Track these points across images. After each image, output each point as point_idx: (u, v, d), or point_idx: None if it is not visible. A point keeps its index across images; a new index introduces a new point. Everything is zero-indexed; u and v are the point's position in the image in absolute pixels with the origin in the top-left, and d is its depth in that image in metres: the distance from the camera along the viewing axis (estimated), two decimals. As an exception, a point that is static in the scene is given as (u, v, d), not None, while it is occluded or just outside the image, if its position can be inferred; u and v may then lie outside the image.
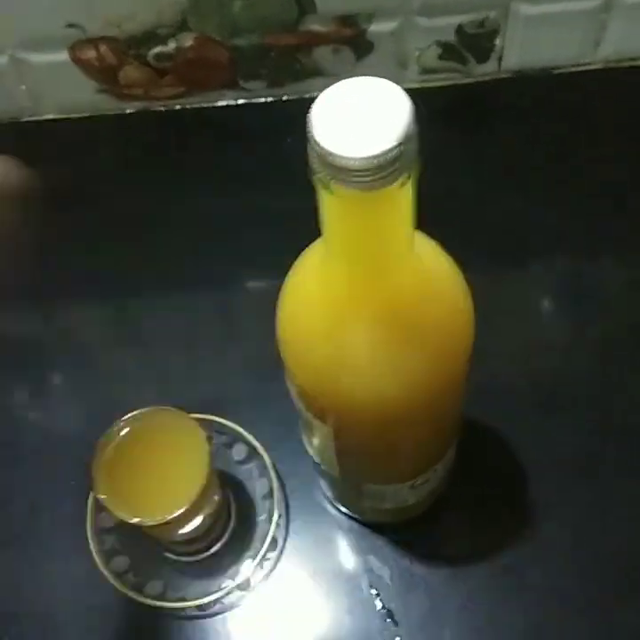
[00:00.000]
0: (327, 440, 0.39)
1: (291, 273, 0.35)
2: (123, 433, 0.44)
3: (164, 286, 0.62)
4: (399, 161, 0.24)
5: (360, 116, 0.24)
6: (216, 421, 0.52)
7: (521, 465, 0.51)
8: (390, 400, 0.33)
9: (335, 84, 0.24)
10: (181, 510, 0.42)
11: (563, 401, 0.54)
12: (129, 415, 0.45)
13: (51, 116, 0.68)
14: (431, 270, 0.32)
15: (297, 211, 0.64)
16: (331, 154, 0.23)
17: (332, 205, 0.26)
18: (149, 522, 0.42)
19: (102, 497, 0.42)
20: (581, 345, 0.57)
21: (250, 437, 0.52)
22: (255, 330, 0.59)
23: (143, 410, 0.45)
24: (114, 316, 0.62)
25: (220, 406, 0.54)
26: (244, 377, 0.57)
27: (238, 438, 0.53)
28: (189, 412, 0.52)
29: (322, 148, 0.23)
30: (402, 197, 0.26)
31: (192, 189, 0.66)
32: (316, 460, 0.44)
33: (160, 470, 0.44)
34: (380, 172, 0.24)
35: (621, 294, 0.59)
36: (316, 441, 0.41)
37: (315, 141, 0.24)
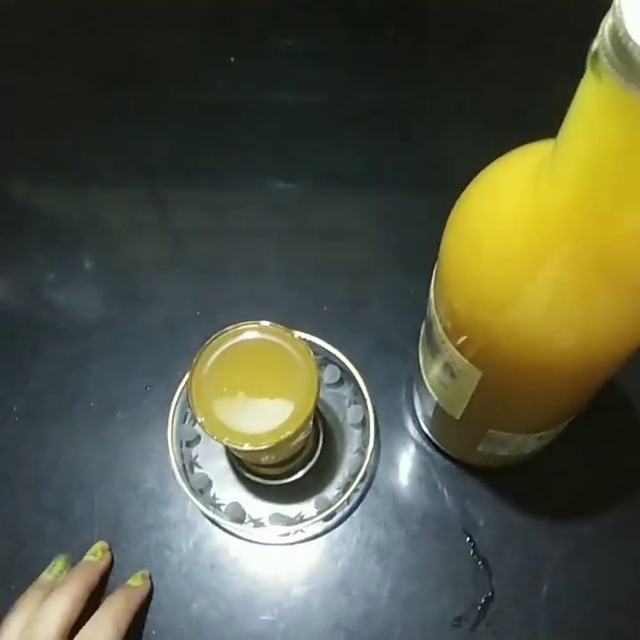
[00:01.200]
0: (467, 383, 0.34)
1: (477, 182, 0.30)
2: (221, 349, 0.40)
3: (239, 181, 0.57)
4: None
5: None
6: (306, 339, 0.48)
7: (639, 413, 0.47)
8: (569, 353, 0.29)
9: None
10: (285, 436, 0.38)
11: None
12: (226, 329, 0.40)
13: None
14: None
15: (385, 107, 0.61)
16: (649, 52, 0.18)
17: (599, 111, 0.21)
18: (253, 448, 0.38)
19: (201, 420, 0.37)
20: None
21: (344, 359, 0.47)
22: (348, 244, 0.56)
23: (243, 324, 0.40)
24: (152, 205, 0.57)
25: (306, 321, 0.49)
26: (335, 289, 0.53)
27: (330, 359, 0.48)
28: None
29: (637, 45, 0.18)
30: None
31: (275, 76, 0.60)
32: (436, 397, 0.40)
33: (262, 392, 0.39)
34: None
35: None
36: (448, 381, 0.36)
37: (627, 36, 0.18)
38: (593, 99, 0.21)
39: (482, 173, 0.30)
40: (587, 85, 0.21)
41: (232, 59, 0.63)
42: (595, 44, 0.20)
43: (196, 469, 0.46)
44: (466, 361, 0.33)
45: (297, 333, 0.47)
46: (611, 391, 0.48)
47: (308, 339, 0.48)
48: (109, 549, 0.45)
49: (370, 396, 0.47)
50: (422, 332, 0.39)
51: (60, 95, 0.60)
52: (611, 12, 0.19)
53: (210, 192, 0.58)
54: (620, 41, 0.18)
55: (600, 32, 0.19)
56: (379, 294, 0.52)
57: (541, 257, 0.27)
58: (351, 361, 0.48)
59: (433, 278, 0.34)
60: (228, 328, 0.40)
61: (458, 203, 0.31)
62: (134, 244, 0.56)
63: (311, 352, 0.40)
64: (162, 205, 0.58)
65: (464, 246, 0.30)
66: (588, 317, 0.27)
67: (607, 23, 0.19)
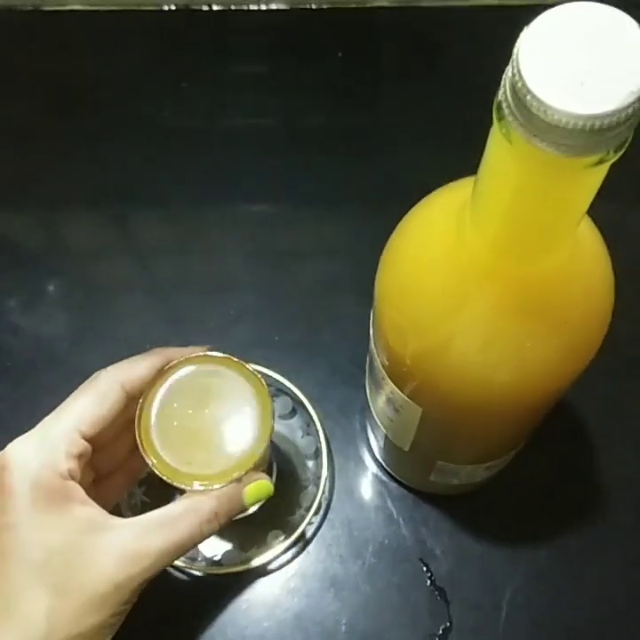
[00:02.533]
0: (410, 417, 0.34)
1: (407, 220, 0.29)
2: (169, 383, 0.39)
3: (189, 209, 0.56)
4: (630, 120, 0.18)
5: (583, 57, 0.18)
6: (257, 371, 0.47)
7: (593, 441, 0.47)
8: (504, 389, 0.29)
9: (550, 11, 0.18)
10: (236, 475, 0.37)
11: (637, 366, 0.50)
12: (174, 362, 0.40)
13: (76, 7, 0.60)
14: (589, 257, 0.27)
15: (335, 131, 0.60)
16: (547, 106, 0.17)
17: (507, 160, 0.21)
18: (205, 488, 0.37)
19: (153, 462, 0.37)
20: None
21: (295, 390, 0.47)
22: (302, 268, 0.55)
23: (195, 356, 0.40)
24: (113, 228, 0.57)
25: (258, 352, 0.49)
26: (288, 317, 0.52)
27: (282, 390, 0.48)
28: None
29: (534, 97, 0.18)
30: (599, 171, 0.20)
31: (227, 100, 0.59)
32: (383, 430, 0.40)
33: (214, 428, 0.38)
34: (602, 134, 0.18)
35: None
36: (392, 416, 0.36)
37: (523, 86, 0.18)
38: (501, 148, 0.20)
39: (410, 212, 0.29)
40: (494, 135, 0.20)
41: (184, 84, 0.62)
42: (499, 96, 0.19)
43: (148, 508, 0.45)
44: (405, 397, 0.32)
45: (249, 365, 0.47)
46: (564, 414, 0.48)
47: (259, 370, 0.47)
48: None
49: (323, 427, 0.46)
50: (367, 364, 0.39)
51: (16, 121, 0.59)
52: (511, 63, 0.18)
53: (164, 216, 0.57)
54: (518, 93, 0.18)
55: (502, 83, 0.19)
56: (332, 322, 0.51)
57: (467, 298, 0.26)
58: (303, 391, 0.47)
59: (371, 312, 0.34)
60: (176, 360, 0.39)
61: (389, 240, 0.30)
62: (93, 267, 0.56)
63: (265, 386, 0.39)
64: (117, 227, 0.58)
65: (395, 285, 0.29)
66: (517, 356, 0.27)
67: (508, 75, 0.19)
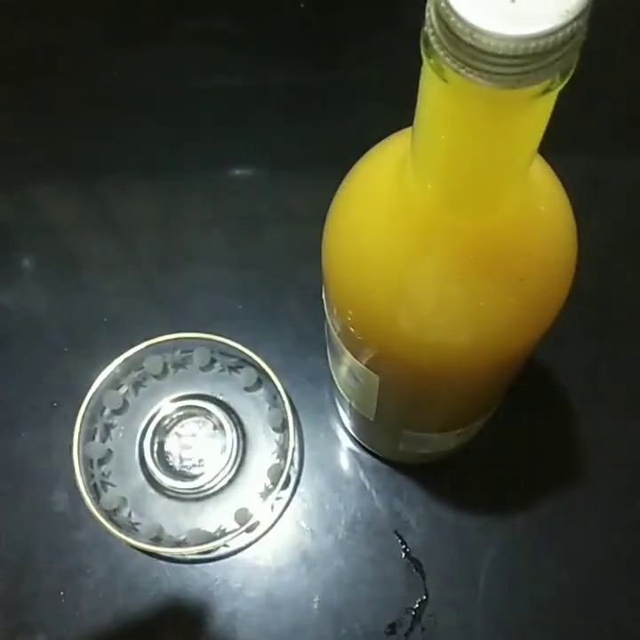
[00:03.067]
0: (369, 386, 0.32)
1: (348, 180, 0.27)
2: None
3: (147, 172, 0.54)
4: (568, 45, 0.16)
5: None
6: (220, 341, 0.45)
7: (568, 406, 0.45)
8: (463, 352, 0.26)
9: None
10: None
11: (613, 328, 0.48)
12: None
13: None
14: (545, 203, 0.24)
15: (296, 88, 0.58)
16: (474, 29, 0.15)
17: (442, 101, 0.18)
18: None
19: None
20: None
21: (259, 360, 0.45)
22: (265, 234, 0.53)
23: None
24: (85, 201, 0.54)
25: (221, 323, 0.47)
26: (251, 287, 0.50)
27: (246, 361, 0.46)
28: (185, 330, 0.45)
29: (458, 19, 0.15)
30: (544, 104, 0.18)
31: (186, 60, 0.56)
32: (346, 399, 0.38)
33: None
34: (538, 60, 0.16)
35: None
36: (353, 384, 0.34)
37: (447, 7, 0.15)
38: (434, 88, 0.18)
39: (350, 171, 0.27)
40: (426, 75, 0.18)
41: (142, 44, 0.59)
42: (425, 27, 0.17)
43: (109, 488, 0.44)
44: (362, 365, 0.30)
45: (211, 336, 0.45)
46: (538, 378, 0.46)
47: (222, 341, 0.45)
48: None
49: (289, 398, 0.44)
50: (326, 333, 0.37)
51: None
52: (433, -17, 0.16)
53: (123, 186, 0.54)
54: (443, 17, 0.16)
55: (427, 9, 0.17)
56: (297, 289, 0.49)
57: (414, 257, 0.24)
58: (268, 362, 0.45)
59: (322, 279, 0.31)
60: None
61: (334, 200, 0.28)
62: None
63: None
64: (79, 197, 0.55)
65: (341, 248, 0.27)
66: (472, 317, 0.25)
67: (434, 2, 0.16)
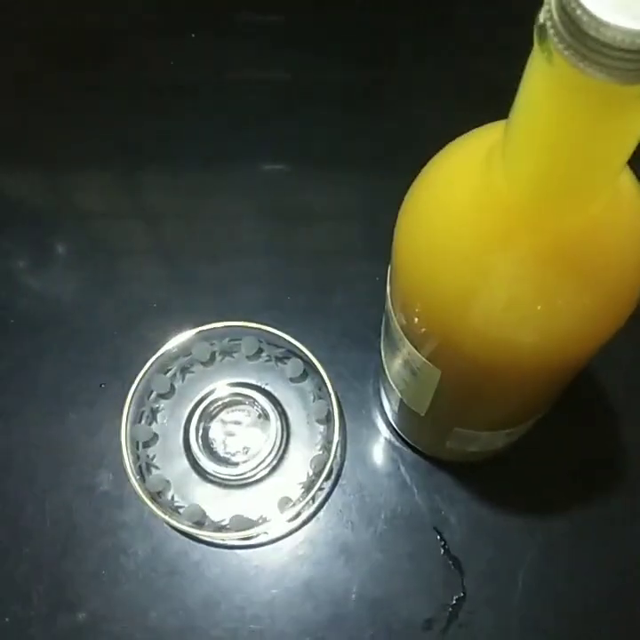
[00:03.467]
0: (428, 380, 0.32)
1: (429, 169, 0.27)
2: None
3: (195, 163, 0.54)
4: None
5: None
6: (268, 331, 0.46)
7: (616, 411, 0.45)
8: (529, 351, 0.27)
9: None
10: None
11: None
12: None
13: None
14: (625, 213, 0.24)
15: (349, 86, 0.58)
16: (599, 22, 0.15)
17: (550, 94, 0.19)
18: None
19: None
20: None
21: (307, 352, 0.45)
22: (312, 229, 0.53)
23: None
24: (131, 190, 0.55)
25: (270, 313, 0.47)
26: (300, 280, 0.50)
27: (293, 352, 0.46)
28: (234, 319, 0.46)
29: (586, 12, 0.15)
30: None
31: (236, 53, 0.57)
32: (399, 394, 0.38)
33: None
34: (659, 56, 0.16)
35: None
36: (409, 378, 0.34)
37: (575, 1, 0.16)
38: (542, 78, 0.18)
39: (432, 160, 0.27)
40: (534, 64, 0.18)
41: (193, 35, 0.60)
42: (541, 17, 0.17)
43: (154, 471, 0.44)
44: (424, 359, 0.31)
45: (259, 326, 0.45)
46: (587, 383, 0.46)
47: (270, 331, 0.46)
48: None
49: (334, 391, 0.45)
50: (383, 325, 0.37)
51: (17, 77, 0.57)
52: (558, -25, 0.16)
53: (172, 175, 0.55)
54: (566, 9, 0.16)
55: (547, 6, 0.17)
56: (344, 284, 0.50)
57: (494, 251, 0.24)
58: (315, 354, 0.45)
59: (389, 270, 0.32)
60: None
61: (410, 190, 0.28)
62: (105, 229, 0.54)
63: None
64: (124, 186, 0.56)
65: (416, 239, 0.27)
66: (546, 314, 0.25)
67: (554, -11, 0.17)
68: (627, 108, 0.18)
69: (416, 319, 0.29)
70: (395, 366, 0.36)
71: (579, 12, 0.16)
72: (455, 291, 0.26)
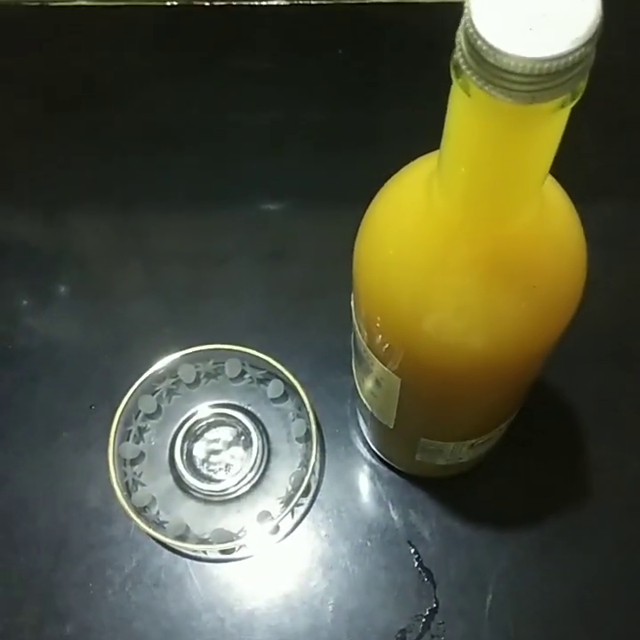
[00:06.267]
0: (390, 390, 0.35)
1: (380, 195, 0.30)
2: None
3: (184, 202, 0.57)
4: (578, 67, 0.19)
5: (532, 3, 0.18)
6: (250, 354, 0.48)
7: (579, 423, 0.47)
8: (479, 355, 0.29)
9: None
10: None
11: (626, 354, 0.50)
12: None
13: (82, 2, 0.62)
14: (557, 218, 0.27)
15: (342, 126, 0.61)
16: (496, 51, 0.18)
17: (468, 117, 0.21)
18: None
19: None
20: None
21: (287, 374, 0.47)
22: (295, 262, 0.56)
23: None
24: (119, 228, 0.57)
25: (252, 337, 0.50)
26: (282, 305, 0.53)
27: (274, 374, 0.48)
28: (218, 342, 0.48)
29: (484, 42, 0.18)
30: (557, 119, 0.21)
31: (227, 97, 0.60)
32: (369, 408, 0.40)
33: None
34: (551, 80, 0.19)
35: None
36: (375, 389, 0.37)
37: (474, 32, 0.18)
38: (461, 106, 0.21)
39: (384, 185, 0.30)
40: (455, 95, 0.21)
41: (185, 80, 0.63)
42: (455, 52, 0.20)
43: (140, 487, 0.46)
44: (386, 369, 0.33)
45: (241, 348, 0.48)
46: (551, 399, 0.48)
47: (252, 354, 0.48)
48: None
49: (314, 410, 0.47)
50: (352, 342, 0.40)
51: (17, 120, 0.60)
52: (464, 12, 0.19)
53: (165, 214, 0.58)
54: (470, 41, 0.19)
55: (457, 39, 0.20)
56: (322, 311, 0.52)
57: (438, 263, 0.27)
58: (295, 375, 0.48)
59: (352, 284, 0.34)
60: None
61: (365, 215, 0.31)
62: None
63: None
64: (119, 226, 0.58)
65: (372, 258, 0.30)
66: (490, 319, 0.28)
67: (462, 26, 0.19)
68: (537, 125, 0.21)
69: (377, 332, 0.32)
70: (363, 380, 0.39)
71: (479, 42, 0.18)
72: (409, 303, 0.29)
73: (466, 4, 0.19)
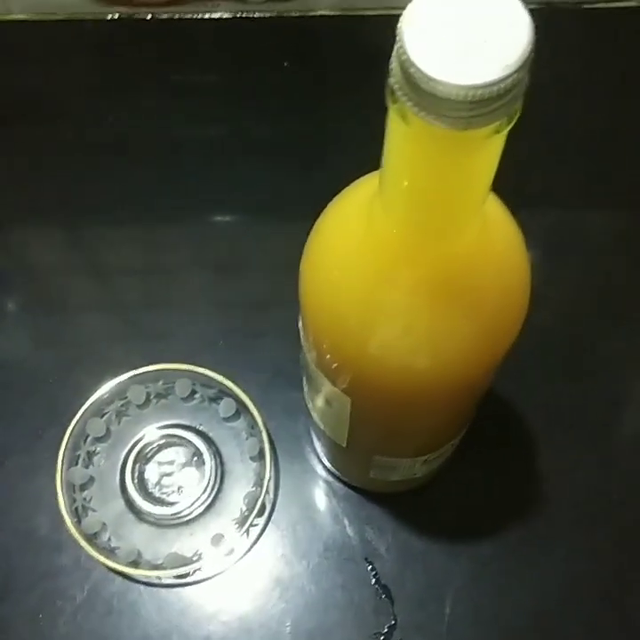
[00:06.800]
0: (341, 409, 0.34)
1: (324, 217, 0.30)
2: None
3: (133, 216, 0.56)
4: (511, 93, 0.18)
5: (464, 31, 0.18)
6: (200, 373, 0.47)
7: (530, 435, 0.48)
8: (426, 374, 0.29)
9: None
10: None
11: (572, 365, 0.50)
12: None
13: (19, 16, 0.61)
14: (499, 237, 0.27)
15: (289, 139, 0.61)
16: (429, 78, 0.18)
17: (405, 142, 0.21)
18: None
19: None
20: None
21: (239, 392, 0.47)
22: (245, 276, 0.55)
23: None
24: (67, 243, 0.56)
25: (203, 355, 0.49)
26: (232, 322, 0.52)
27: (226, 392, 0.48)
28: (168, 361, 0.47)
29: (417, 70, 0.18)
30: (494, 144, 0.21)
31: (172, 111, 0.59)
32: (321, 426, 0.40)
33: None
34: (485, 106, 0.18)
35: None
36: (325, 409, 0.36)
37: (407, 59, 0.18)
38: (398, 131, 0.21)
39: (326, 208, 0.30)
40: (391, 121, 0.21)
41: (129, 95, 0.62)
42: (390, 78, 0.20)
43: (90, 513, 0.45)
44: (336, 389, 0.33)
45: (193, 368, 0.47)
46: (503, 411, 0.48)
47: (203, 373, 0.47)
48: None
49: (266, 428, 0.46)
50: (301, 361, 0.39)
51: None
52: (397, 38, 0.19)
53: (112, 228, 0.57)
54: (404, 67, 0.19)
55: (391, 65, 0.20)
56: (274, 326, 0.52)
57: (380, 285, 0.27)
58: (247, 394, 0.47)
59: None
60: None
61: (310, 236, 0.31)
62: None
63: None
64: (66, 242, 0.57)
65: (316, 280, 0.30)
66: (433, 342, 0.28)
67: (396, 52, 0.19)
68: (474, 150, 0.21)
69: (325, 352, 0.31)
70: (314, 400, 0.38)
71: (412, 69, 0.18)
72: (354, 324, 0.29)
73: (398, 31, 0.19)
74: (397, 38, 0.19)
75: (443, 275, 0.26)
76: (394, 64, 0.19)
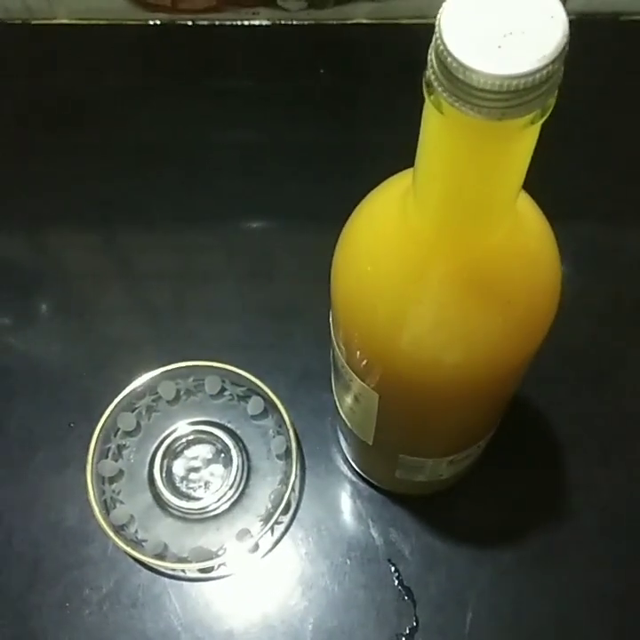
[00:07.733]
0: (369, 405, 0.35)
1: (356, 213, 0.30)
2: None
3: (167, 220, 0.57)
4: (546, 85, 0.19)
5: (501, 22, 0.19)
6: (230, 371, 0.48)
7: (558, 443, 0.48)
8: (456, 369, 0.29)
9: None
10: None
11: (604, 375, 0.50)
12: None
13: (64, 21, 0.62)
14: (531, 233, 0.27)
15: (323, 146, 0.62)
16: (466, 68, 0.18)
17: (440, 133, 0.22)
18: None
19: None
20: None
21: (267, 390, 0.47)
22: (276, 280, 0.56)
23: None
24: (101, 247, 0.57)
25: (232, 354, 0.49)
26: (262, 323, 0.53)
27: (254, 391, 0.48)
28: (199, 359, 0.48)
29: (454, 59, 0.19)
30: (528, 135, 0.21)
31: (210, 116, 0.60)
32: (348, 424, 0.40)
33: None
34: (520, 97, 0.19)
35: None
36: (353, 405, 0.37)
37: (444, 49, 0.19)
38: (434, 123, 0.21)
39: (360, 204, 0.30)
40: (428, 113, 0.21)
41: (169, 99, 0.63)
42: (427, 70, 0.20)
43: (118, 505, 0.46)
44: (364, 384, 0.33)
45: (221, 365, 0.48)
46: (531, 418, 0.48)
47: (233, 371, 0.48)
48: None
49: (294, 427, 0.47)
50: (331, 359, 0.40)
51: (2, 136, 0.60)
52: (435, 29, 0.19)
53: (148, 233, 0.58)
54: (441, 58, 0.19)
55: (429, 58, 0.20)
56: (303, 329, 0.52)
57: (413, 279, 0.27)
58: (275, 393, 0.47)
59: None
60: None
61: (342, 232, 0.31)
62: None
63: None
64: (103, 246, 0.58)
65: (349, 275, 0.30)
66: (464, 336, 0.28)
67: (433, 43, 0.20)
68: (509, 140, 0.21)
69: (355, 348, 0.32)
70: (343, 396, 0.38)
71: (449, 59, 0.19)
72: (385, 319, 0.29)
73: (436, 22, 0.19)
74: (435, 29, 0.19)
75: (475, 269, 0.26)
76: (431, 55, 0.20)
